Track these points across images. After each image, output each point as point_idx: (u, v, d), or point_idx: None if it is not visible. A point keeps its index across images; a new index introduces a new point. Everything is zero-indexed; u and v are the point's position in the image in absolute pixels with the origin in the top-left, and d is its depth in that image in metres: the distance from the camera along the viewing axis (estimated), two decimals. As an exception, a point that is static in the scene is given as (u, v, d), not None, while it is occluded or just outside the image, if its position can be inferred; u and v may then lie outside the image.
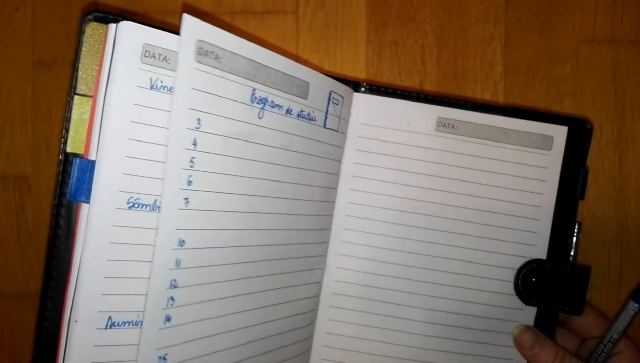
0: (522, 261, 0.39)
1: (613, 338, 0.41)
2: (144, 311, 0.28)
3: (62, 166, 0.29)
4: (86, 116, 0.28)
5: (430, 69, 0.54)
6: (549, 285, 0.39)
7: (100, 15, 0.29)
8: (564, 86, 0.53)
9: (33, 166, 0.55)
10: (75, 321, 0.29)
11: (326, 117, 0.35)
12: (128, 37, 0.28)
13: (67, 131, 0.29)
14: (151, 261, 0.28)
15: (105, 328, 0.29)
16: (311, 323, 0.39)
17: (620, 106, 0.52)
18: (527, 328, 0.40)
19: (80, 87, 0.28)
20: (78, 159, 0.28)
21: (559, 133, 0.40)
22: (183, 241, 0.28)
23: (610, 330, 0.42)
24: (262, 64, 0.30)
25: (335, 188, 0.37)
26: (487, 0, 0.53)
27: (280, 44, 0.54)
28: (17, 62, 0.55)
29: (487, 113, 0.40)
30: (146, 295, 0.28)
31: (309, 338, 0.38)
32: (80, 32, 0.29)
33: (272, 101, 0.30)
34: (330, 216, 0.37)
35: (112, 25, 0.28)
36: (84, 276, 0.29)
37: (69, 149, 0.29)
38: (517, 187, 0.39)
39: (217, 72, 0.28)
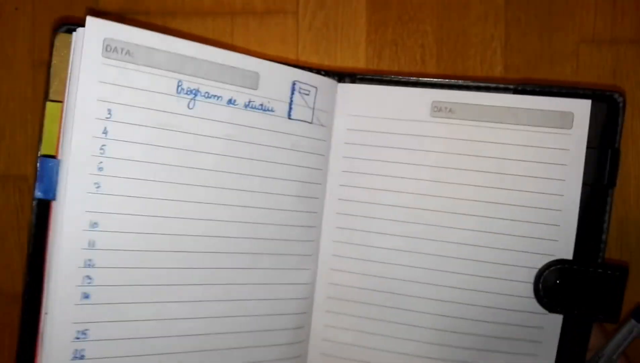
0: (544, 259, 0.33)
1: (612, 360, 0.37)
2: (54, 285, 0.30)
3: (37, 168, 0.31)
4: (57, 120, 0.30)
5: (430, 69, 0.54)
6: (577, 289, 0.33)
7: (71, 27, 0.31)
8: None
9: (33, 166, 0.55)
10: (46, 313, 0.31)
11: (290, 108, 0.34)
12: (89, 33, 0.30)
13: (41, 135, 0.31)
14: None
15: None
16: (302, 327, 0.37)
17: (620, 106, 0.52)
18: None
19: (52, 94, 0.31)
20: (43, 159, 0.30)
21: (581, 108, 0.33)
22: (95, 223, 0.30)
23: (607, 349, 0.37)
24: (188, 57, 0.31)
25: (320, 183, 0.35)
26: (487, 0, 0.53)
27: (280, 44, 0.54)
28: (17, 62, 0.55)
29: (490, 92, 0.35)
30: (55, 271, 0.30)
31: (302, 342, 0.37)
32: (51, 45, 0.32)
33: (207, 92, 0.31)
34: (315, 213, 0.35)
35: (78, 30, 0.31)
36: (52, 270, 0.31)
37: (42, 152, 0.31)
38: (533, 174, 0.34)
39: (131, 65, 0.30)
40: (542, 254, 0.33)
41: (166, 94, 0.31)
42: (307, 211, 0.35)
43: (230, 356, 0.34)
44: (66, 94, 0.30)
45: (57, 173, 0.30)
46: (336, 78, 0.37)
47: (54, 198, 0.30)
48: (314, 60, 0.54)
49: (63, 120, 0.30)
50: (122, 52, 0.30)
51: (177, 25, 0.54)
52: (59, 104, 0.31)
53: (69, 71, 0.30)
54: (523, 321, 0.34)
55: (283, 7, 0.54)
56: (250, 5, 0.54)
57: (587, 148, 0.34)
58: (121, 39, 0.30)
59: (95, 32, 0.30)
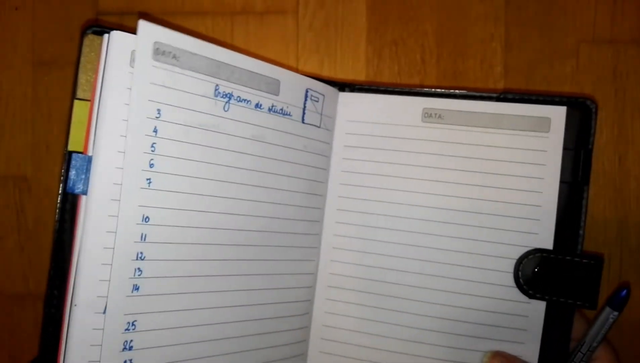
0: (525, 251, 0.37)
1: (592, 347, 0.39)
2: (109, 279, 0.31)
3: (65, 163, 0.33)
4: (84, 118, 0.32)
5: (430, 69, 0.54)
6: (556, 277, 0.36)
7: (98, 29, 0.33)
8: (564, 86, 0.53)
9: (33, 166, 0.55)
10: (75, 305, 0.31)
11: (304, 113, 0.37)
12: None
13: (69, 132, 0.33)
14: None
15: (103, 312, 0.32)
16: (307, 313, 0.40)
17: (620, 106, 0.52)
18: (497, 353, 0.37)
19: (80, 93, 0.33)
20: (76, 155, 0.32)
21: (557, 114, 0.37)
22: (147, 217, 0.32)
23: (587, 337, 0.39)
24: (224, 63, 0.34)
25: (324, 182, 0.39)
26: (487, 0, 0.53)
27: (280, 43, 0.54)
28: (17, 62, 0.55)
29: (476, 100, 0.39)
30: (111, 264, 0.31)
31: (306, 328, 0.40)
32: (80, 44, 0.33)
33: (239, 96, 0.34)
34: (319, 209, 0.39)
35: (106, 36, 0.32)
36: (83, 263, 0.32)
37: (70, 148, 0.32)
38: (514, 173, 0.37)
39: (177, 69, 0.32)
40: (524, 246, 0.37)
41: (205, 96, 0.33)
42: (313, 207, 0.38)
43: (246, 342, 0.37)
44: (98, 94, 0.31)
45: (88, 169, 0.31)
46: (337, 87, 0.41)
47: (84, 193, 0.31)
48: (314, 60, 0.54)
49: (94, 118, 0.31)
50: (169, 55, 0.32)
51: (177, 25, 0.55)
52: (87, 102, 0.32)
53: (102, 71, 0.31)
54: (508, 309, 0.37)
55: (283, 7, 0.54)
56: (250, 5, 0.54)
57: (564, 149, 0.37)
58: (169, 43, 0.32)
59: (147, 35, 0.31)
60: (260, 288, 0.37)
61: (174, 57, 0.32)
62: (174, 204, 0.33)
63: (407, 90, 0.40)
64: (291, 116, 0.36)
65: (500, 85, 0.53)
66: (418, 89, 0.41)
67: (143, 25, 0.31)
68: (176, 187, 0.33)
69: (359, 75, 0.54)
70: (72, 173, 0.31)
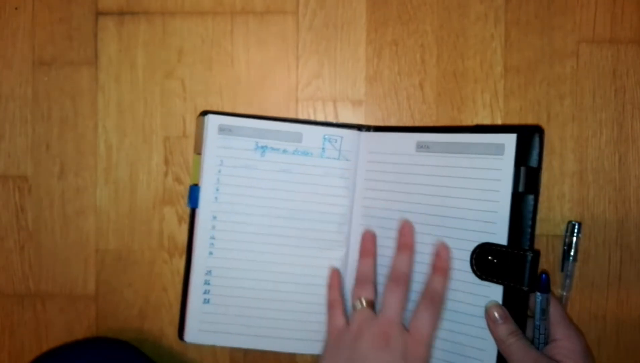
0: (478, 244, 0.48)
1: (539, 327, 0.46)
2: (193, 249, 0.54)
3: (189, 191, 0.54)
4: (199, 164, 0.54)
5: (430, 68, 0.54)
6: (505, 266, 0.46)
7: (205, 113, 0.54)
8: (564, 86, 0.53)
9: (33, 166, 0.55)
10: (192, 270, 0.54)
11: (323, 150, 0.54)
12: (211, 122, 0.53)
13: (191, 173, 0.56)
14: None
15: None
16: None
17: (620, 106, 0.53)
18: (498, 304, 0.47)
19: (197, 150, 0.55)
20: (192, 187, 0.54)
21: (509, 140, 0.47)
22: (215, 217, 0.54)
23: (535, 319, 0.46)
24: (260, 128, 0.54)
25: (346, 196, 0.54)
26: (487, 0, 0.53)
27: (280, 43, 0.54)
28: (17, 62, 0.55)
29: (455, 133, 0.50)
30: (195, 239, 0.54)
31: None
32: (197, 125, 0.55)
33: (271, 147, 0.54)
34: (343, 214, 0.54)
35: (205, 117, 0.54)
36: (195, 257, 0.54)
37: (191, 182, 0.55)
38: (478, 187, 0.48)
39: (231, 136, 0.54)
40: (483, 242, 0.48)
41: (249, 150, 0.54)
42: (337, 214, 0.54)
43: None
44: (203, 152, 0.54)
45: (198, 194, 0.53)
46: (362, 129, 0.54)
47: (197, 207, 0.54)
48: (314, 60, 0.54)
49: (201, 165, 0.54)
50: (227, 130, 0.54)
51: (177, 25, 0.55)
52: (199, 156, 0.54)
53: (205, 138, 0.54)
54: (467, 289, 0.48)
55: (283, 7, 0.54)
56: (250, 5, 0.54)
57: (517, 166, 0.47)
58: (227, 123, 0.54)
59: (215, 121, 0.54)
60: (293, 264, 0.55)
61: (229, 131, 0.54)
62: (229, 209, 0.54)
63: (407, 128, 0.54)
64: (312, 154, 0.54)
65: (500, 85, 0.53)
66: (413, 126, 0.54)
67: (211, 117, 0.53)
68: (230, 200, 0.54)
69: (359, 75, 0.54)
70: (191, 196, 0.54)
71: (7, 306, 0.56)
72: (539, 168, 0.47)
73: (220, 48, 0.55)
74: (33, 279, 0.55)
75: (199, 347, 0.55)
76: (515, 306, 0.46)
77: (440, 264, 0.49)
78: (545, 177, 0.53)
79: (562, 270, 0.53)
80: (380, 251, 0.52)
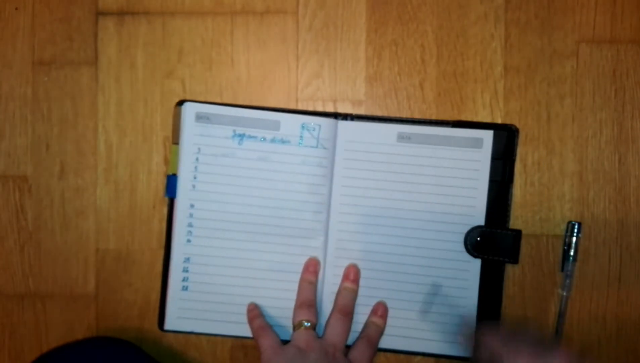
0: (467, 227, 0.53)
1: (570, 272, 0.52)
2: (172, 237, 0.54)
3: (166, 181, 0.54)
4: (177, 154, 0.54)
5: (430, 69, 0.54)
6: (491, 243, 0.53)
7: (182, 102, 0.55)
8: (564, 86, 0.53)
9: (33, 166, 0.55)
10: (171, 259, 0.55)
11: (301, 138, 0.54)
12: (188, 110, 0.54)
13: (168, 161, 0.55)
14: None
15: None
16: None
17: (620, 106, 0.53)
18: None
19: (174, 140, 0.54)
20: (170, 176, 0.54)
21: (487, 136, 0.53)
22: (193, 205, 0.54)
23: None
24: (238, 116, 0.54)
25: (325, 184, 0.55)
26: (487, 0, 0.53)
27: (280, 44, 0.54)
28: (17, 62, 0.55)
29: (436, 126, 0.54)
30: (173, 226, 0.54)
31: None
32: (174, 115, 0.55)
33: (249, 135, 0.54)
34: (322, 203, 0.55)
35: (183, 105, 0.54)
36: (174, 245, 0.54)
37: (168, 172, 0.55)
38: (458, 176, 0.54)
39: (209, 125, 0.54)
40: (467, 225, 0.54)
41: (226, 138, 0.54)
42: (315, 202, 0.55)
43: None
44: (180, 140, 0.54)
45: (176, 183, 0.54)
46: (339, 118, 0.55)
47: (175, 197, 0.54)
48: (314, 60, 0.54)
49: (179, 155, 0.54)
50: (204, 118, 0.54)
51: (177, 25, 0.55)
52: (177, 146, 0.54)
53: (182, 127, 0.54)
54: (455, 265, 0.54)
55: (283, 7, 0.54)
56: (250, 5, 0.54)
57: (495, 159, 0.53)
58: (204, 111, 0.54)
59: (192, 109, 0.54)
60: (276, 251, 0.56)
61: (207, 118, 0.54)
62: (206, 197, 0.54)
63: (386, 117, 0.55)
64: (290, 142, 0.54)
65: (500, 85, 0.53)
66: (394, 117, 0.55)
67: (188, 104, 0.54)
68: (208, 188, 0.54)
69: (359, 75, 0.54)
70: (168, 185, 0.54)
71: (7, 306, 0.56)
72: (513, 160, 0.54)
73: (220, 48, 0.55)
74: (33, 279, 0.55)
75: (199, 347, 0.55)
76: (492, 277, 0.54)
77: (379, 314, 0.54)
78: (545, 177, 0.53)
79: (562, 270, 0.53)
80: (359, 237, 0.55)
